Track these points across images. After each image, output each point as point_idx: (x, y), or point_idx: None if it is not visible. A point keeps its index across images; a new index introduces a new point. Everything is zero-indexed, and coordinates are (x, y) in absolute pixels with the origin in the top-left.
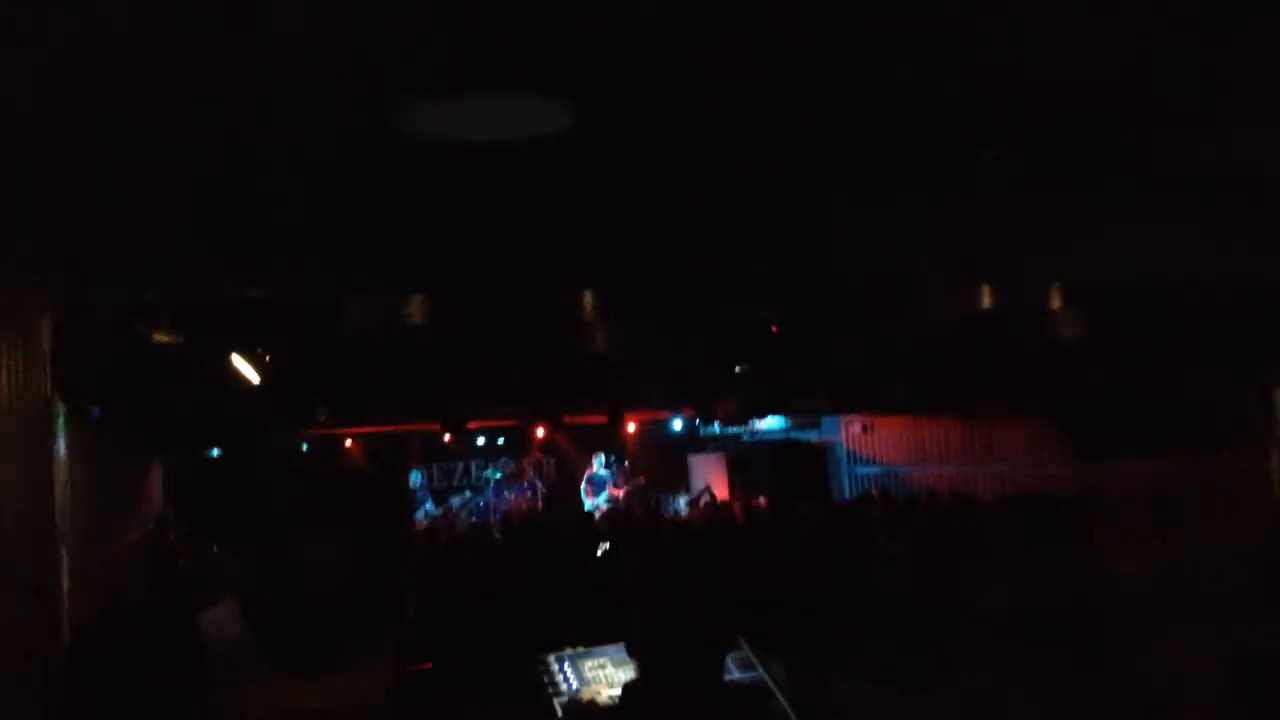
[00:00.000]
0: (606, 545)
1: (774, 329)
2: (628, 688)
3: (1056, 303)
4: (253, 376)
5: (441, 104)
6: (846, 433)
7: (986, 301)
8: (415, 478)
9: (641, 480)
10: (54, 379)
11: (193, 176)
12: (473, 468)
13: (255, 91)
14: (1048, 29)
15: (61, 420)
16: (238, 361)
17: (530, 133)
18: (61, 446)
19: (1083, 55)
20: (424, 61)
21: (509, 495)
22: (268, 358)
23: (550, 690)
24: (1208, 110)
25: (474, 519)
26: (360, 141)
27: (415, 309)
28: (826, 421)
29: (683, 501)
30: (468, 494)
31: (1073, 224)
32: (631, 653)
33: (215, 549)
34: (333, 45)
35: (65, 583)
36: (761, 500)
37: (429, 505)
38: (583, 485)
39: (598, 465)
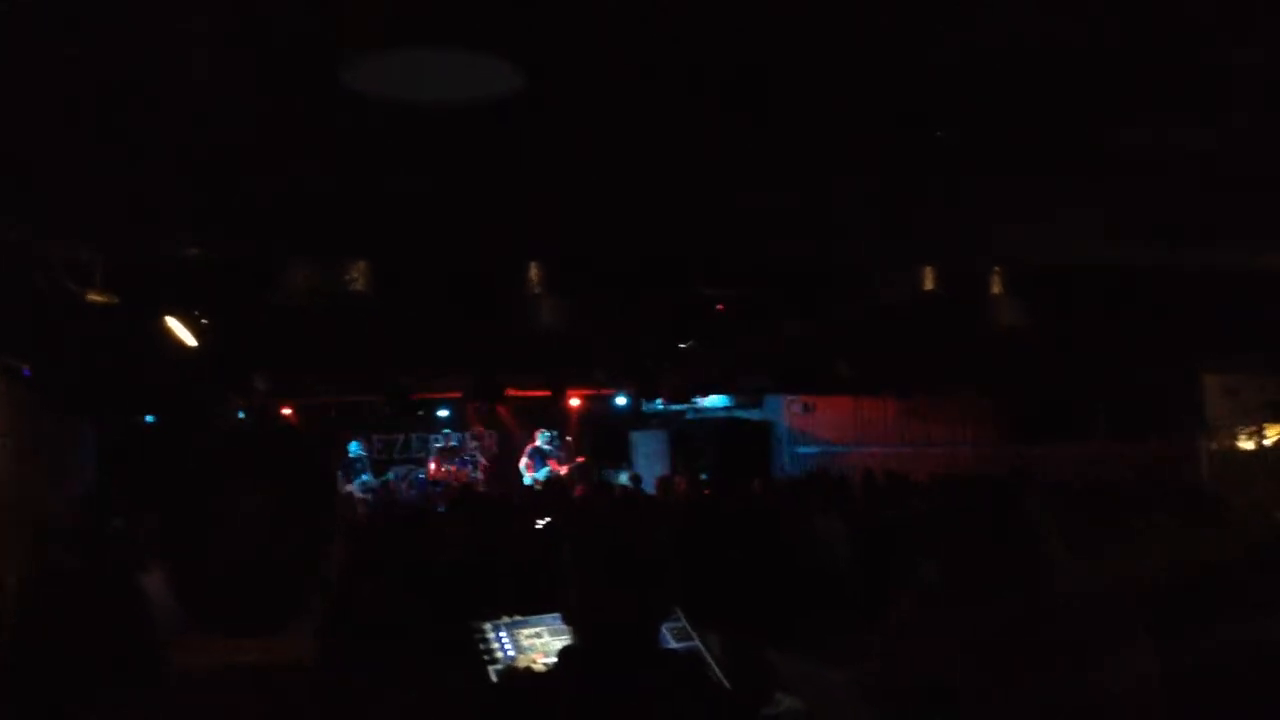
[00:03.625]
0: (547, 519)
1: (718, 307)
2: (564, 653)
3: (995, 288)
4: (189, 340)
5: (391, 61)
6: (788, 412)
7: (928, 285)
8: (355, 448)
9: (582, 459)
10: None
11: (130, 133)
12: (413, 439)
13: (198, 48)
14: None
15: None
16: (173, 325)
17: (479, 94)
18: None
19: (1025, 36)
20: (374, 17)
21: (449, 468)
22: (204, 322)
23: (486, 658)
24: (1144, 101)
25: (413, 491)
26: (308, 101)
27: (358, 276)
28: (768, 400)
29: (624, 477)
30: (408, 465)
31: (1011, 211)
32: (568, 622)
33: (148, 514)
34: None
35: None
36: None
37: (366, 476)
38: (524, 459)
39: (540, 439)
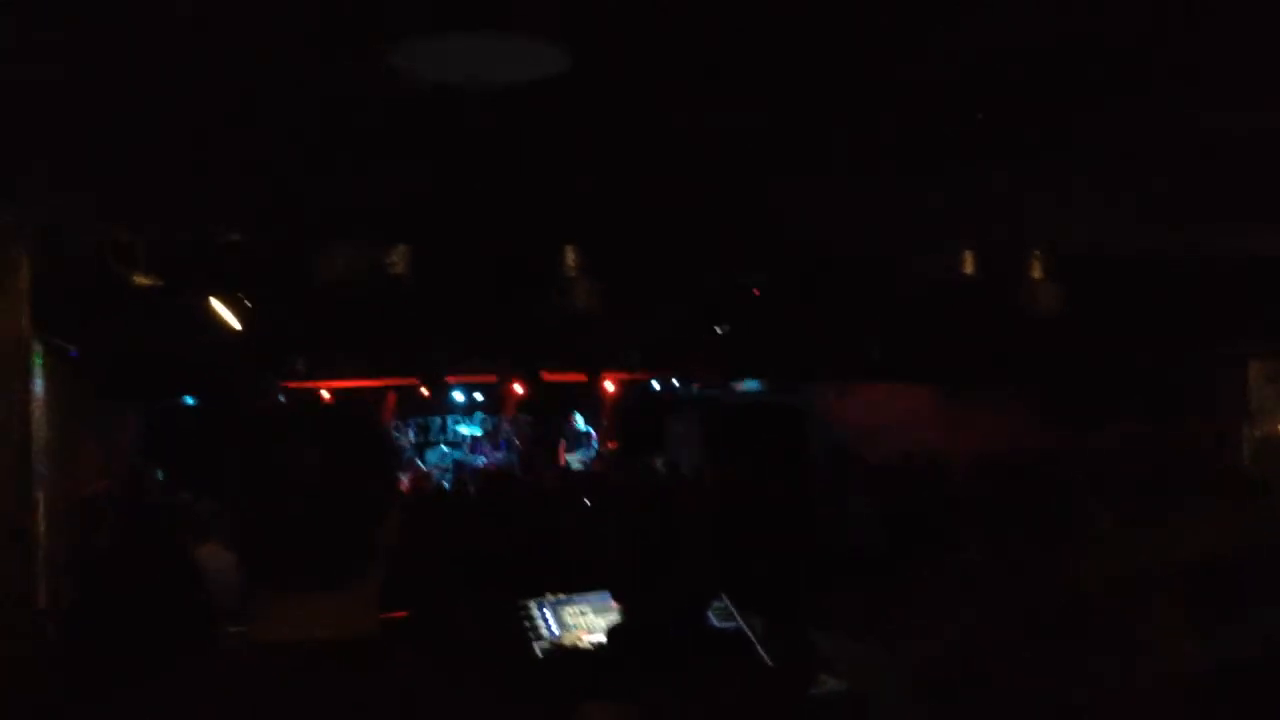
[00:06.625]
0: (586, 501)
1: (755, 292)
2: (613, 631)
3: (1035, 272)
4: (232, 323)
5: (432, 45)
6: (823, 397)
7: (967, 269)
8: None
9: (613, 445)
10: (32, 317)
11: (175, 117)
12: (449, 423)
13: (241, 33)
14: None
15: (39, 359)
16: (216, 307)
17: (520, 77)
18: (39, 386)
19: (1046, 21)
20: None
21: (485, 451)
22: (247, 304)
23: (531, 635)
24: (1183, 84)
25: (448, 475)
26: (349, 86)
27: (397, 259)
28: (803, 386)
29: (658, 464)
30: (443, 449)
31: (1051, 194)
32: (618, 599)
33: (189, 495)
34: None
35: (41, 523)
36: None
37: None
38: (562, 442)
39: (579, 422)
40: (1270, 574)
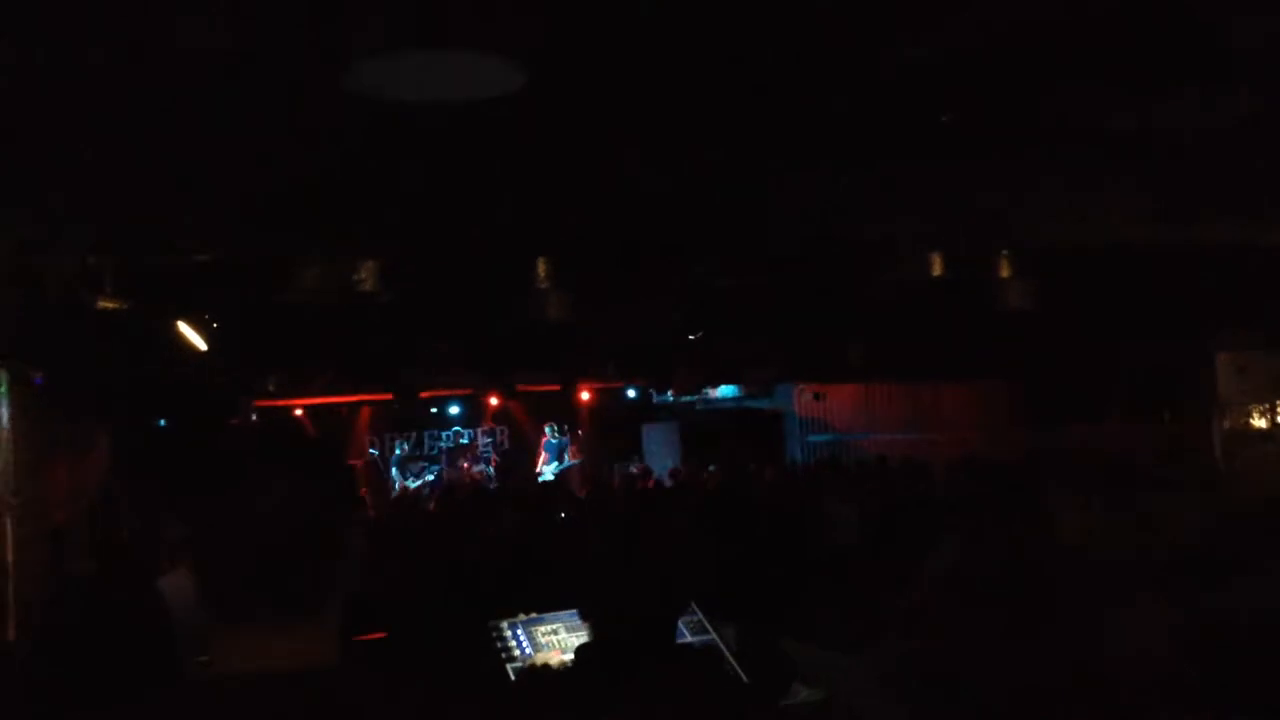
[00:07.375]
0: (562, 514)
1: (727, 297)
2: (581, 650)
3: (1005, 271)
4: (199, 344)
5: (397, 61)
6: (799, 401)
7: (937, 269)
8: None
9: (580, 457)
10: None
11: (138, 138)
12: (425, 438)
13: (204, 51)
14: None
15: (5, 386)
16: (184, 329)
17: (485, 92)
18: (5, 413)
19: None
20: (381, 18)
21: (462, 464)
22: (215, 325)
23: (503, 656)
24: (1151, 78)
25: (427, 490)
26: (314, 103)
27: (367, 275)
28: (779, 390)
29: (631, 469)
30: (421, 464)
31: (1023, 192)
32: (585, 617)
33: (161, 518)
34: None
35: (10, 553)
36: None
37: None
38: (541, 454)
39: (550, 434)
40: (1238, 564)
